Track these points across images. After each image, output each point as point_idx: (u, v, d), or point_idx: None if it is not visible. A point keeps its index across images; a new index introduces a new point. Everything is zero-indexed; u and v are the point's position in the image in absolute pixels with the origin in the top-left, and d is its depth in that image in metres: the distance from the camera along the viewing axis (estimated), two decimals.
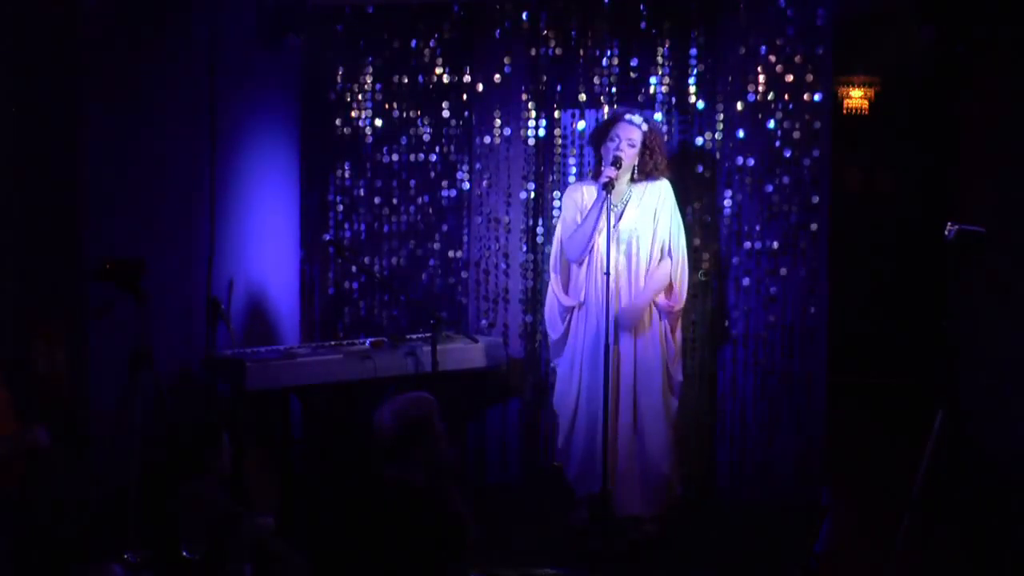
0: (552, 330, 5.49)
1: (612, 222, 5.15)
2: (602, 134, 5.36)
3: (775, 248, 5.84)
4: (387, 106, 6.33)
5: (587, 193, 5.37)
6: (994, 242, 4.87)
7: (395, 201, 6.37)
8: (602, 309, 5.20)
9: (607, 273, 5.10)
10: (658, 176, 5.35)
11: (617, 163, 5.20)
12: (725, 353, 5.90)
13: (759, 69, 5.82)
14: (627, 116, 5.31)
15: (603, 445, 5.14)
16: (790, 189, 5.82)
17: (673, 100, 5.96)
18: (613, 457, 5.20)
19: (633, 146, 5.26)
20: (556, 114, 6.14)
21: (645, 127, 5.30)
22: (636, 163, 5.30)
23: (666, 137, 5.71)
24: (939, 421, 4.50)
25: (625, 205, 5.32)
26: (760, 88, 5.82)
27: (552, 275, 5.51)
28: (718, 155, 5.92)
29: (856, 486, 6.22)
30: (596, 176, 5.39)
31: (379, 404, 3.68)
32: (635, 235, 5.30)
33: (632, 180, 5.34)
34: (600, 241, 5.22)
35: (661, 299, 5.30)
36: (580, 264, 5.37)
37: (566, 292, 5.42)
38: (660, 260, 5.31)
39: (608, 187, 5.12)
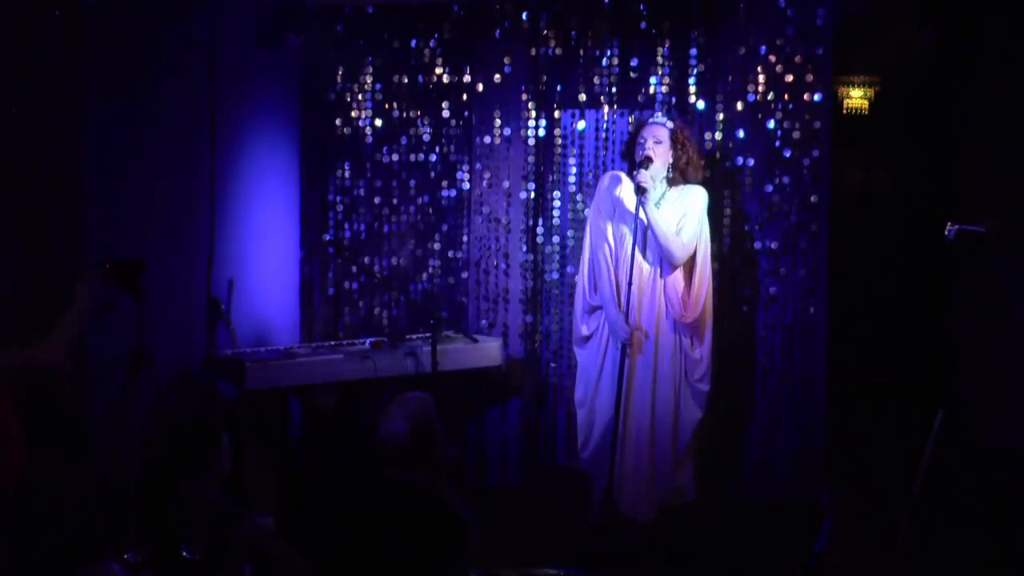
0: (577, 328, 5.48)
1: (642, 226, 5.16)
2: (632, 143, 5.39)
3: (775, 248, 5.84)
4: (387, 106, 6.33)
5: (625, 187, 5.32)
6: (994, 242, 4.86)
7: (395, 201, 6.37)
8: (621, 315, 5.20)
9: (629, 284, 5.11)
10: (694, 179, 5.34)
11: (645, 164, 5.18)
12: (725, 353, 5.89)
13: (759, 69, 5.82)
14: (651, 119, 5.37)
15: (611, 449, 5.17)
16: (790, 189, 5.82)
17: (673, 100, 5.95)
18: (624, 461, 5.22)
19: (660, 142, 5.25)
20: (556, 114, 6.14)
21: (671, 125, 5.33)
22: (670, 161, 5.29)
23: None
24: (939, 421, 4.50)
25: (657, 210, 5.27)
26: (760, 88, 5.82)
27: (580, 272, 5.48)
28: (718, 155, 5.91)
29: (856, 486, 6.21)
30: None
31: (381, 410, 3.67)
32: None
33: (668, 181, 5.32)
34: (628, 243, 5.24)
35: (675, 300, 5.27)
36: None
37: (594, 289, 5.38)
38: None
39: (642, 191, 5.11)
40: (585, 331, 5.41)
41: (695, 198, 5.29)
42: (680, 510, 5.42)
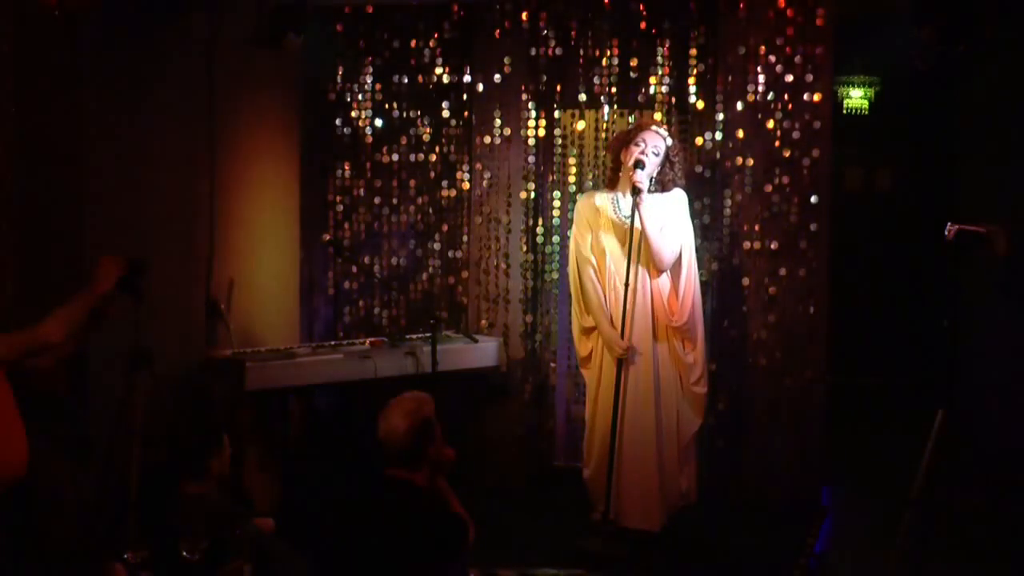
0: (576, 349, 5.47)
1: (631, 234, 5.13)
2: (625, 140, 5.28)
3: (775, 248, 5.84)
4: (387, 106, 6.34)
5: (600, 200, 5.32)
6: (993, 241, 4.86)
7: (395, 201, 6.38)
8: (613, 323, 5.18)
9: (626, 284, 5.09)
10: (672, 188, 5.31)
11: (640, 165, 5.13)
12: (725, 354, 5.90)
13: (759, 69, 5.82)
14: (655, 127, 5.29)
15: (609, 459, 5.16)
16: (790, 189, 5.82)
17: (673, 100, 5.96)
18: (625, 475, 5.21)
19: (657, 155, 5.19)
20: (556, 114, 6.15)
21: (671, 142, 5.27)
22: (655, 174, 5.25)
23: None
24: (939, 421, 4.50)
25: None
26: (760, 88, 5.83)
27: (573, 294, 5.43)
28: (718, 155, 5.92)
29: (856, 486, 6.22)
30: (610, 184, 5.35)
31: (380, 411, 3.66)
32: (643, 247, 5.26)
33: (648, 191, 5.31)
34: (612, 253, 5.22)
35: (663, 305, 5.25)
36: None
37: (586, 311, 5.32)
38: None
39: (637, 191, 5.08)
40: (583, 352, 5.41)
41: (675, 201, 5.26)
42: (682, 512, 5.42)
